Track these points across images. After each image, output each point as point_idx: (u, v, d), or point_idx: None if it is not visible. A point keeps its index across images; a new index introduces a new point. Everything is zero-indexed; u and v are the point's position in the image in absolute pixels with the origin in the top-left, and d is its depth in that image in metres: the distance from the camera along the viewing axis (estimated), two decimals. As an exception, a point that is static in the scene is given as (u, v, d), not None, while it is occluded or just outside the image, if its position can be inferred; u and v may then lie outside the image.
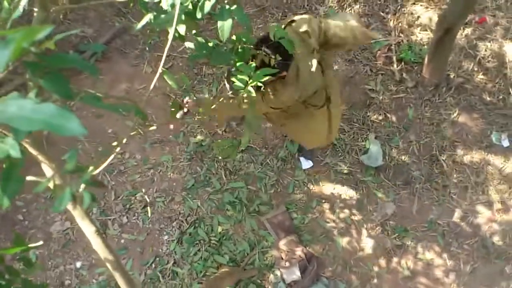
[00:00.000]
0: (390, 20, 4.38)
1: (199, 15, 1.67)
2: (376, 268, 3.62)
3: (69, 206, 1.26)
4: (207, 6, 1.64)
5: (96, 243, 1.48)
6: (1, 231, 3.71)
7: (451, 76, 4.11)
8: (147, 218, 3.75)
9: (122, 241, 3.70)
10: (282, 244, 3.59)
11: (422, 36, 4.30)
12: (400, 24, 4.36)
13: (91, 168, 1.06)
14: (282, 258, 3.58)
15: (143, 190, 3.82)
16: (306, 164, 3.86)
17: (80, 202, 1.11)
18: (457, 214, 3.73)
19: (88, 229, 1.44)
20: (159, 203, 3.78)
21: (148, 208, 3.77)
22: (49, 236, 3.71)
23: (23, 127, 0.59)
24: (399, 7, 4.43)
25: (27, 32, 0.62)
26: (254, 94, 1.88)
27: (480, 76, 4.12)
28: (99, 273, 3.61)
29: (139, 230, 3.73)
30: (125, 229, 3.73)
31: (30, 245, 1.70)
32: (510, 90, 4.06)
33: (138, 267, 3.62)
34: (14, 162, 0.62)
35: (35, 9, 1.45)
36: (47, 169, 1.35)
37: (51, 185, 1.36)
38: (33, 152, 1.35)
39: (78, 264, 3.65)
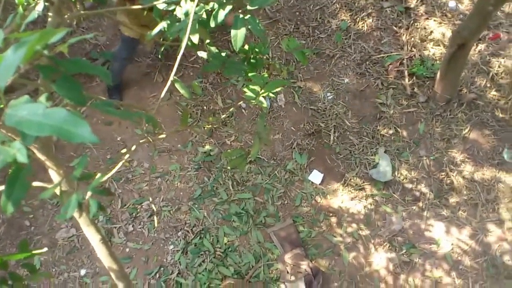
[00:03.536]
0: (403, 35, 4.37)
1: (212, 24, 1.66)
2: (383, 285, 3.55)
3: (75, 214, 1.24)
4: (221, 15, 1.63)
5: (101, 252, 1.45)
6: (8, 236, 3.69)
7: (463, 92, 4.07)
8: (152, 227, 3.72)
9: (127, 249, 3.67)
10: (288, 257, 3.54)
11: (435, 51, 4.28)
12: (412, 39, 4.34)
13: (98, 175, 1.04)
14: (288, 272, 3.53)
15: (150, 199, 3.80)
16: (316, 177, 3.83)
17: (87, 210, 1.09)
18: (466, 232, 3.66)
19: (93, 237, 1.42)
20: (165, 212, 3.75)
21: (155, 217, 3.74)
22: (55, 242, 3.69)
23: (32, 131, 0.57)
24: (412, 21, 4.42)
25: (42, 35, 0.60)
26: (265, 105, 1.87)
27: (493, 93, 4.08)
28: (102, 281, 3.58)
29: (144, 239, 3.70)
30: (131, 237, 3.70)
31: (34, 252, 1.68)
32: (523, 107, 4.01)
33: (142, 277, 3.58)
34: (21, 168, 0.60)
35: (50, 15, 1.45)
36: (55, 175, 1.33)
37: (58, 191, 1.35)
38: (41, 157, 1.34)
39: (82, 272, 3.62)
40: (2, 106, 0.61)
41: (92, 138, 0.59)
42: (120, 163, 1.39)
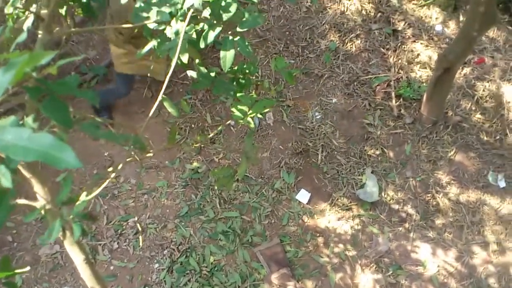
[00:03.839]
0: (390, 57, 4.43)
1: (202, 44, 1.68)
2: (369, 306, 3.54)
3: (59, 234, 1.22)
4: (211, 36, 1.65)
5: (84, 272, 1.43)
6: (-12, 251, 3.62)
7: (449, 114, 4.13)
8: (138, 245, 3.68)
9: (112, 267, 3.62)
10: (274, 277, 3.52)
11: (422, 74, 4.35)
12: (400, 61, 4.41)
13: (83, 198, 1.03)
14: (274, 292, 3.50)
15: (136, 216, 3.76)
16: (303, 197, 3.83)
17: (71, 231, 1.08)
18: (452, 254, 3.68)
19: (77, 257, 1.40)
20: (151, 229, 3.71)
21: (140, 236, 3.70)
22: (37, 259, 3.62)
23: (18, 157, 0.57)
24: (399, 44, 4.50)
25: (31, 58, 0.60)
26: (252, 125, 1.88)
27: (478, 116, 4.14)
28: (85, 299, 3.51)
29: (129, 257, 3.65)
30: (115, 255, 3.65)
31: (17, 271, 1.65)
32: (507, 130, 4.08)
33: (126, 295, 3.53)
34: (5, 191, 0.59)
35: (39, 32, 1.45)
36: (40, 192, 1.32)
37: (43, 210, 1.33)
38: (27, 175, 1.32)
39: (65, 290, 3.55)
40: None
41: (77, 163, 0.59)
42: (106, 182, 1.39)
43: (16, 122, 0.73)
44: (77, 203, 1.01)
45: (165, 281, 3.56)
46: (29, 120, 0.77)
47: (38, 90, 0.72)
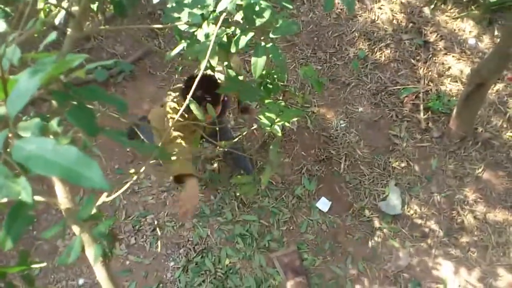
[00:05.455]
0: (420, 68, 4.33)
1: (233, 49, 1.64)
2: (384, 322, 3.46)
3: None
4: (243, 41, 1.61)
5: (100, 274, 1.41)
6: (8, 239, 3.67)
7: (479, 131, 4.02)
8: (155, 242, 3.67)
9: (127, 262, 3.62)
10: (290, 285, 3.47)
11: (452, 87, 4.24)
12: (430, 73, 4.30)
13: (103, 198, 1.00)
14: (288, 300, 3.45)
15: (154, 213, 3.76)
16: (324, 205, 3.77)
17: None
18: (475, 274, 3.57)
19: (93, 257, 1.38)
20: (168, 227, 3.71)
21: (158, 231, 3.70)
22: (55, 249, 3.66)
23: (40, 170, 0.54)
24: (430, 55, 4.39)
25: (61, 63, 0.58)
26: (280, 134, 1.84)
27: (509, 133, 4.01)
28: (100, 293, 3.52)
29: (145, 253, 3.65)
30: (132, 250, 3.66)
31: (33, 266, 1.65)
32: (539, 150, 3.94)
33: (140, 292, 3.53)
34: (24, 203, 0.56)
35: (69, 29, 1.44)
36: (60, 192, 1.30)
37: (63, 208, 1.32)
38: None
39: (81, 281, 3.57)
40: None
41: (103, 184, 0.56)
42: (127, 185, 1.36)
43: (40, 125, 0.71)
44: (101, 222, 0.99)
45: (179, 280, 3.54)
46: (54, 123, 0.75)
47: (66, 96, 0.69)
